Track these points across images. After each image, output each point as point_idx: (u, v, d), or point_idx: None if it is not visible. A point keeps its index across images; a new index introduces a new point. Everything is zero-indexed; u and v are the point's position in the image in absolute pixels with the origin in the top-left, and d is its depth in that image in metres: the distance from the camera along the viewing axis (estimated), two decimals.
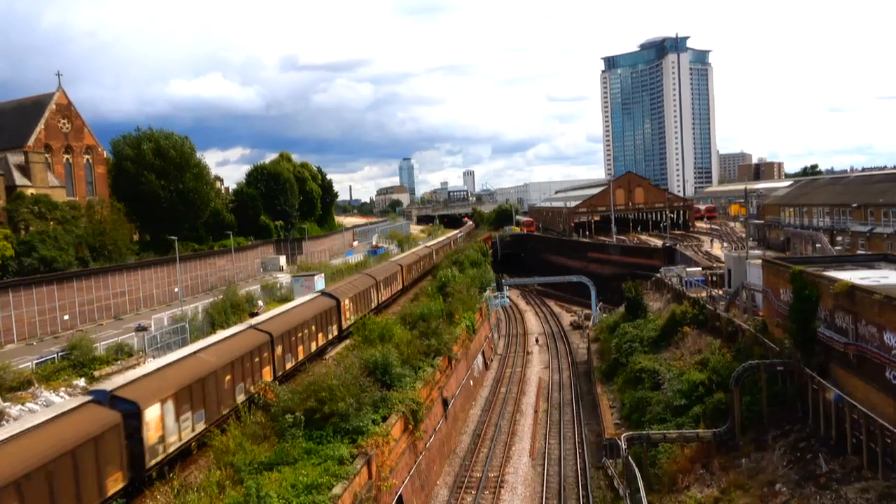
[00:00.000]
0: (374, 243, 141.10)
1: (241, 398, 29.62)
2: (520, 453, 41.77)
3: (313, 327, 40.84)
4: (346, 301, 49.16)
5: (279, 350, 34.71)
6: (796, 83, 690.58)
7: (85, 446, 19.79)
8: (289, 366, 35.80)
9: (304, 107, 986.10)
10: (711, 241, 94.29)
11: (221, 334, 33.26)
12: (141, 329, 52.22)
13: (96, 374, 39.26)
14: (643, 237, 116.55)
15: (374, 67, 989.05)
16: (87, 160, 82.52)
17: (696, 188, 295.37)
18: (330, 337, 44.35)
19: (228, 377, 28.87)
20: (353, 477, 23.60)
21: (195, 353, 28.71)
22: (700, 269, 59.00)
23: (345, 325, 47.77)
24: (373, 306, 56.63)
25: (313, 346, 40.28)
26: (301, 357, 37.81)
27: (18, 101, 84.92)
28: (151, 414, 23.18)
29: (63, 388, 35.80)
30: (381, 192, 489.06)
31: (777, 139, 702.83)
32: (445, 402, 42.38)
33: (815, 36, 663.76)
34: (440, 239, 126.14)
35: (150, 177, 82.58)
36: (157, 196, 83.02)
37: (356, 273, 63.94)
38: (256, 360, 31.87)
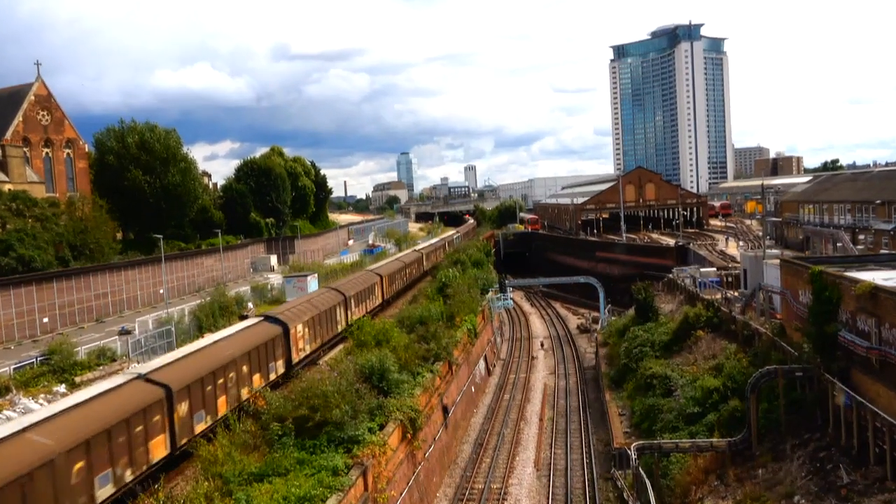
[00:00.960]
0: (370, 242, 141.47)
1: (105, 492, 20.91)
2: (524, 464, 41.76)
3: (245, 367, 31.39)
4: (299, 327, 39.16)
5: (182, 408, 25.77)
6: (816, 73, 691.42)
7: None
8: (200, 427, 26.69)
9: (296, 98, 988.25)
10: (726, 239, 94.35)
11: (82, 395, 23.41)
12: (124, 332, 52.21)
13: (77, 380, 39.26)
14: (654, 236, 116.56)
15: (369, 57, 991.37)
16: (68, 154, 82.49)
17: (710, 184, 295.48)
18: (272, 377, 34.63)
19: (79, 465, 19.82)
20: (347, 489, 23.59)
21: (21, 431, 19.34)
22: (714, 269, 59.03)
23: (296, 359, 37.99)
24: (339, 330, 46.71)
25: (245, 393, 30.96)
26: (222, 412, 28.65)
27: None
28: None
29: (42, 395, 35.80)
30: (377, 188, 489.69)
31: (796, 132, 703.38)
32: (446, 410, 42.39)
33: (835, 24, 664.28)
34: (433, 241, 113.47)
35: (135, 172, 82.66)
36: (142, 192, 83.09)
37: (318, 290, 53.36)
38: (139, 429, 22.89)
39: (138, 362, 41.82)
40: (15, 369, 39.71)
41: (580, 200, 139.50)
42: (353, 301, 52.23)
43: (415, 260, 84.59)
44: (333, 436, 26.56)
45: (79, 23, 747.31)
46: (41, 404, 33.27)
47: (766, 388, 29.67)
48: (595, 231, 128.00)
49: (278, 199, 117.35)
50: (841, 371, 27.28)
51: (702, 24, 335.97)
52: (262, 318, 37.91)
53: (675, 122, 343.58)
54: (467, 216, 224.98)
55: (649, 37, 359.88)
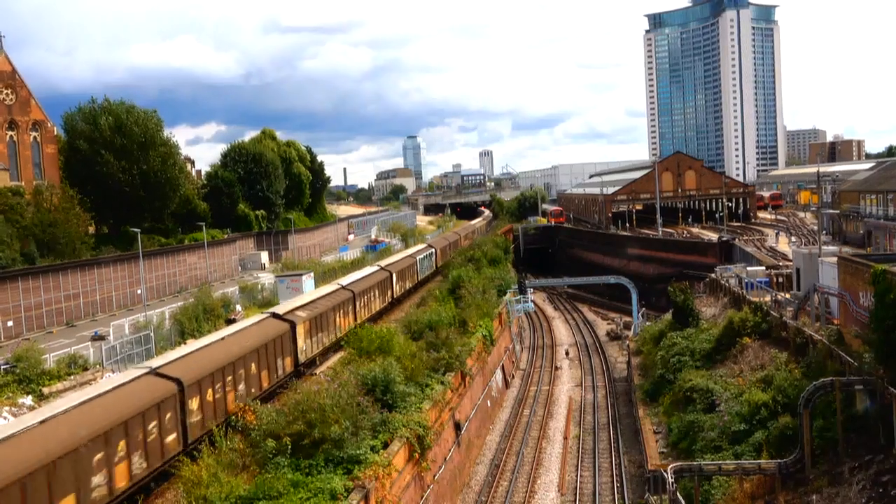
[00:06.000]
0: (373, 237, 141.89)
1: None
2: (546, 487, 41.83)
3: (100, 455, 22.40)
4: (196, 390, 28.79)
5: None
6: (879, 45, 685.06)
7: None
8: None
9: (289, 76, 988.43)
10: (777, 234, 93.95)
11: None
12: (98, 338, 52.58)
13: (45, 390, 39.58)
14: (695, 230, 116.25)
15: (371, 29, 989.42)
16: (35, 138, 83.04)
17: (758, 171, 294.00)
18: (148, 467, 25.16)
19: None
20: None
21: None
22: (763, 268, 58.78)
23: (193, 435, 28.27)
24: (280, 376, 37.17)
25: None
26: None
27: None
28: None
29: (7, 408, 36.12)
30: (381, 175, 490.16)
31: (856, 113, 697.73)
32: (458, 427, 42.48)
33: None
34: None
35: (109, 157, 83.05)
36: (118, 180, 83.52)
37: (254, 318, 40.76)
38: None
39: (112, 371, 42.16)
40: None
41: (610, 190, 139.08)
42: (311, 326, 42.68)
43: (407, 267, 73.40)
44: (332, 455, 26.66)
45: None
46: (5, 418, 33.59)
47: (822, 402, 29.52)
48: (627, 225, 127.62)
49: (270, 188, 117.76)
50: None
51: None
52: (147, 371, 28.24)
53: (719, 101, 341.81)
54: (482, 208, 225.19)
55: (690, 4, 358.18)
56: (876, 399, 28.34)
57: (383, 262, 71.86)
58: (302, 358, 39.39)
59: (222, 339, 33.95)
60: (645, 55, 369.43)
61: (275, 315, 39.11)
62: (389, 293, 65.15)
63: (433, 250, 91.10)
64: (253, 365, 34.04)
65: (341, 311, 47.56)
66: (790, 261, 56.65)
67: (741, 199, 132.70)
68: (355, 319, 50.65)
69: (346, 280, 56.74)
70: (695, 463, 32.09)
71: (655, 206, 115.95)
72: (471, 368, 48.50)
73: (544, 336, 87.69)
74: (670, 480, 30.21)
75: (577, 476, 43.09)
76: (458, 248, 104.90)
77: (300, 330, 39.20)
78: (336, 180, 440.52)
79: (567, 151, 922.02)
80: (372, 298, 58.31)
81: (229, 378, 31.14)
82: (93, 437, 22.31)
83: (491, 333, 58.22)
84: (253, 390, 33.17)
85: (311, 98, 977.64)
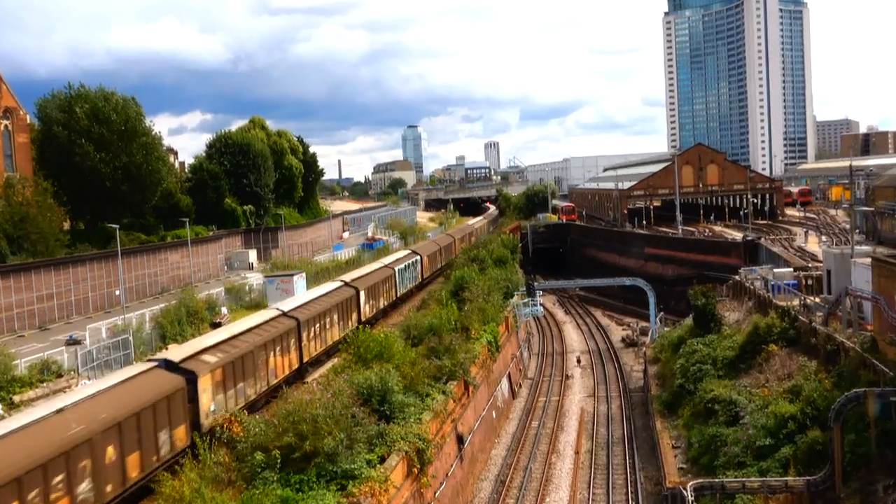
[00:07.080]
0: (369, 234, 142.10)
1: None
2: None
3: None
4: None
5: None
6: None
7: None
8: None
9: (280, 60, 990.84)
10: (806, 233, 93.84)
11: None
12: (73, 342, 52.67)
13: (16, 398, 39.61)
14: (717, 228, 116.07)
15: (368, 10, 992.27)
16: (6, 126, 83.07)
17: (786, 165, 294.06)
18: None
19: None
20: None
21: None
22: (791, 269, 58.77)
23: None
24: (171, 451, 28.52)
25: None
26: None
27: None
28: None
29: None
30: (378, 168, 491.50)
31: (892, 102, 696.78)
32: (460, 440, 42.47)
33: None
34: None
35: (87, 147, 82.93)
36: (95, 173, 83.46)
37: (134, 368, 31.53)
38: None
39: (88, 378, 42.19)
40: None
41: (626, 185, 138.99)
42: (214, 383, 32.33)
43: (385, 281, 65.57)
44: (324, 469, 26.65)
45: None
46: None
47: (854, 415, 29.47)
48: (644, 222, 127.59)
49: (258, 181, 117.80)
50: None
51: None
52: None
53: (744, 89, 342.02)
54: (488, 203, 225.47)
55: None
56: None
57: (348, 277, 61.66)
58: (207, 423, 30.69)
59: (58, 411, 24.07)
60: (664, 40, 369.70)
61: (167, 364, 30.13)
62: (355, 316, 55.84)
63: (418, 258, 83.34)
64: (110, 449, 24.49)
65: (277, 348, 39.42)
66: (820, 262, 56.61)
67: (767, 196, 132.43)
68: (300, 358, 42.94)
69: (288, 304, 47.38)
70: (716, 480, 32.06)
71: (675, 202, 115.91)
72: (475, 377, 48.45)
73: (554, 342, 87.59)
74: (690, 499, 30.21)
75: (589, 494, 43.02)
76: (453, 253, 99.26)
77: (205, 383, 30.88)
78: (330, 173, 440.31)
79: (579, 143, 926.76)
80: (327, 326, 48.77)
81: (59, 478, 21.84)
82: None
83: (496, 339, 58.20)
84: (109, 488, 24.27)
85: (303, 85, 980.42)
